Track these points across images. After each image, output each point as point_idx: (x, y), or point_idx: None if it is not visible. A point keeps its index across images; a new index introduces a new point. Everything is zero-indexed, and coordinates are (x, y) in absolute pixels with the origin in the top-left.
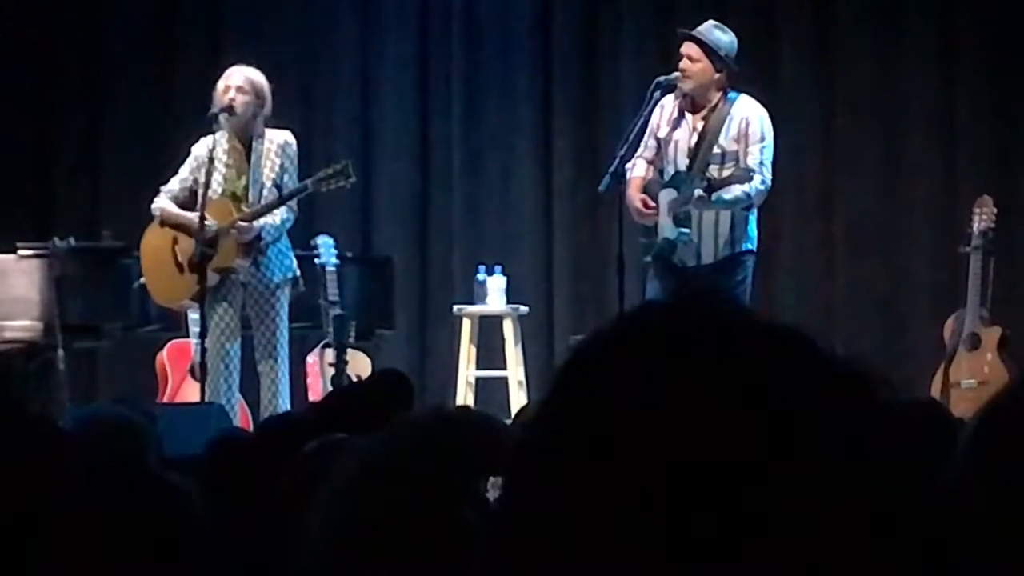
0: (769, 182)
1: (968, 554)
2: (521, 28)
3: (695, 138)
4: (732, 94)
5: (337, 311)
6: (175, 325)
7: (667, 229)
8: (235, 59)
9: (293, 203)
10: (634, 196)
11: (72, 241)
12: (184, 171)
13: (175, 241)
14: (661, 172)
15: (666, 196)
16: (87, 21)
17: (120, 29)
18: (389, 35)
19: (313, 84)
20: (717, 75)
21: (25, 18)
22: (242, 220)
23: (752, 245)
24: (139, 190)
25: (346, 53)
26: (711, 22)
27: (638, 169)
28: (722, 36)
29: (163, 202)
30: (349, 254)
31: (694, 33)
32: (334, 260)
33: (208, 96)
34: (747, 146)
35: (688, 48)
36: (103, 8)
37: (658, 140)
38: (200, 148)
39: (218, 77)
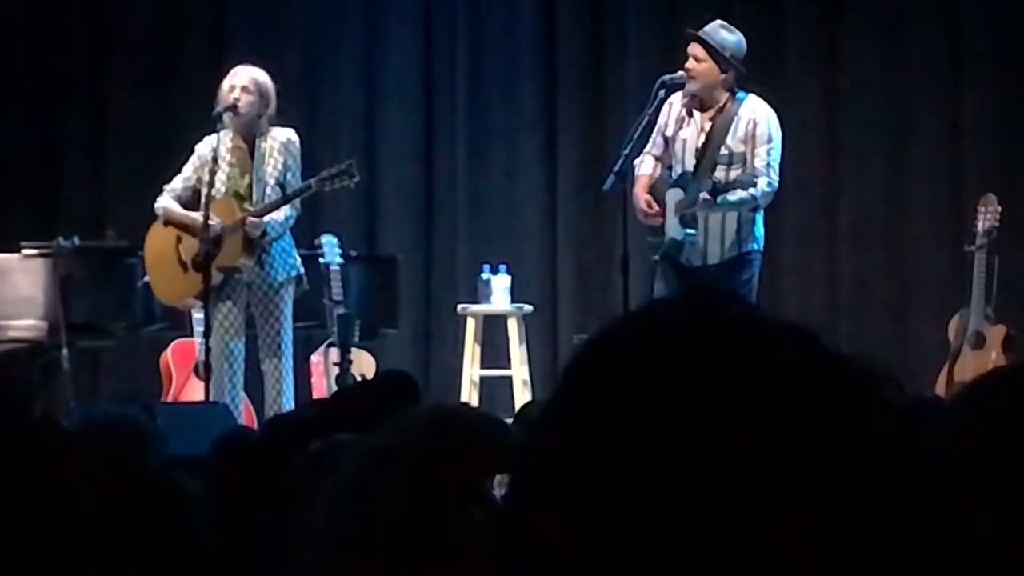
0: (776, 184)
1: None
2: (525, 26)
3: (702, 138)
4: (740, 94)
5: (341, 310)
6: (179, 324)
7: (674, 229)
8: (239, 58)
9: (296, 200)
10: (639, 195)
11: (76, 240)
12: (187, 170)
13: (179, 240)
14: (670, 168)
15: (673, 196)
16: (91, 20)
17: (124, 28)
18: (393, 33)
19: (317, 83)
20: (723, 75)
21: (29, 18)
22: (251, 216)
23: (758, 245)
24: (143, 189)
25: (350, 52)
26: (718, 22)
27: (645, 166)
28: (728, 36)
29: (166, 201)
30: (353, 253)
31: (700, 34)
32: (338, 259)
33: (212, 95)
34: (754, 147)
35: (694, 48)
36: (107, 8)
37: (666, 138)
38: (204, 147)
39: (222, 76)
